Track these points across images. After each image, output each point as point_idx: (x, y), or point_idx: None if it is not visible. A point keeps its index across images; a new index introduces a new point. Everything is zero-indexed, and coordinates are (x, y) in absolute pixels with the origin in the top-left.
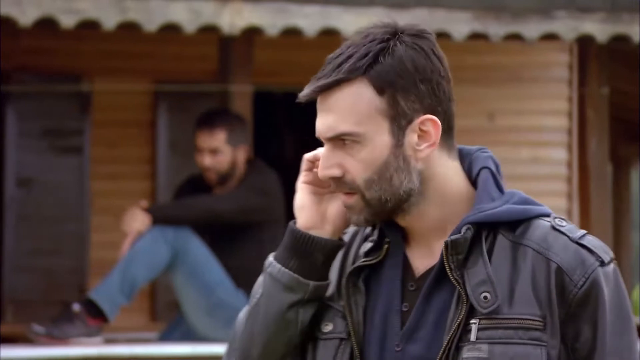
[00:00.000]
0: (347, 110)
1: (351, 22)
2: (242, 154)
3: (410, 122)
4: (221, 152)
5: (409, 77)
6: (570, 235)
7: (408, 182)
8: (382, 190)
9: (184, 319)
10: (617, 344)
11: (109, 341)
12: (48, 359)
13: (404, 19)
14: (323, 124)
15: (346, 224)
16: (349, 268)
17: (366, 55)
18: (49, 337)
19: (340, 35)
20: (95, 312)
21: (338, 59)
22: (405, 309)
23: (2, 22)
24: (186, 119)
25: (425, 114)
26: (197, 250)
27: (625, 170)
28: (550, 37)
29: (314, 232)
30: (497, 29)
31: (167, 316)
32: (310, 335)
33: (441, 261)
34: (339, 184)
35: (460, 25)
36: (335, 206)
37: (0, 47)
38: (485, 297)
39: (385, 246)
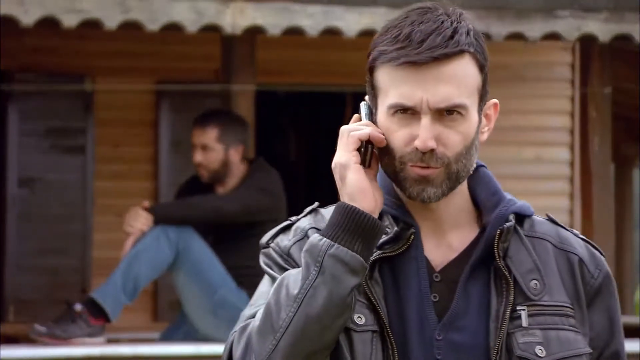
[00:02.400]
0: (462, 82)
1: (354, 22)
2: (235, 155)
3: (485, 103)
4: (211, 149)
5: (488, 59)
6: (573, 232)
7: (474, 163)
8: (464, 164)
9: (186, 318)
10: (622, 336)
11: (112, 341)
12: (50, 359)
13: None
14: (437, 93)
15: None
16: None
17: (469, 32)
18: (51, 337)
19: (343, 35)
20: (97, 312)
21: (442, 31)
22: (435, 300)
23: (5, 21)
24: (189, 119)
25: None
26: (200, 249)
27: (628, 169)
28: (553, 36)
29: (375, 216)
30: (499, 29)
31: (169, 316)
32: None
33: (484, 250)
34: (429, 156)
35: None
36: (378, 188)
37: (3, 46)
38: (535, 285)
39: (412, 237)
